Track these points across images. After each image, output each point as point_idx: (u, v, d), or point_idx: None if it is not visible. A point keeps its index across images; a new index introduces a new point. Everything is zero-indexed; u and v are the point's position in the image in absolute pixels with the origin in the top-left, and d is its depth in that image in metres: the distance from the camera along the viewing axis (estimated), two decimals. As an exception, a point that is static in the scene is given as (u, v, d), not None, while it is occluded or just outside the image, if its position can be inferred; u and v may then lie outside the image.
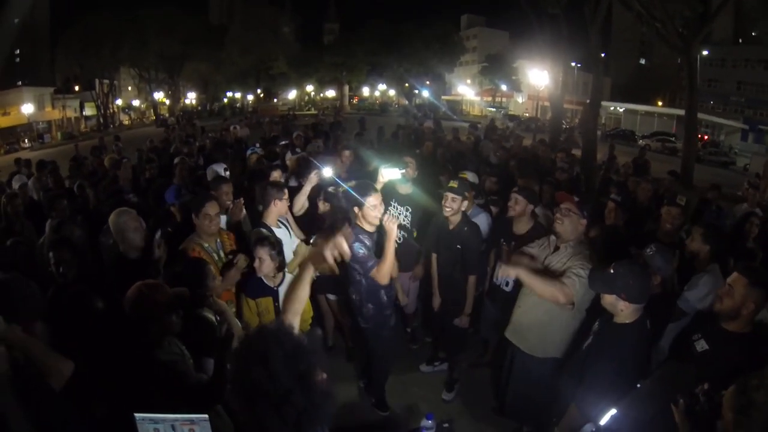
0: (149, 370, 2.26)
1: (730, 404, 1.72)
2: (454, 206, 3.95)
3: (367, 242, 3.47)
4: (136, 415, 1.95)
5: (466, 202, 4.10)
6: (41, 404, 2.15)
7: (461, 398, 4.43)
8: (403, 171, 4.22)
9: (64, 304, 2.79)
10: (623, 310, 2.55)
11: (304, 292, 2.09)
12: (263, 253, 3.30)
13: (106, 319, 2.67)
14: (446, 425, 2.44)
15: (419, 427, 2.38)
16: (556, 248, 3.32)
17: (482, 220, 4.72)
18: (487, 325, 4.55)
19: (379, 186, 4.03)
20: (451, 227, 4.06)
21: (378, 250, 3.49)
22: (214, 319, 2.81)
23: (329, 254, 2.10)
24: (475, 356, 4.95)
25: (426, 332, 5.22)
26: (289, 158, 6.70)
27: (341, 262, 2.95)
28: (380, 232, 3.49)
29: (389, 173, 4.07)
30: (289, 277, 3.49)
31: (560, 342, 3.30)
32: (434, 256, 4.34)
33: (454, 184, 3.98)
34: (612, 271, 2.57)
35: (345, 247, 2.14)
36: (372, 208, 3.43)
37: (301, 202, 4.53)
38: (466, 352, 4.71)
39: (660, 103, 45.66)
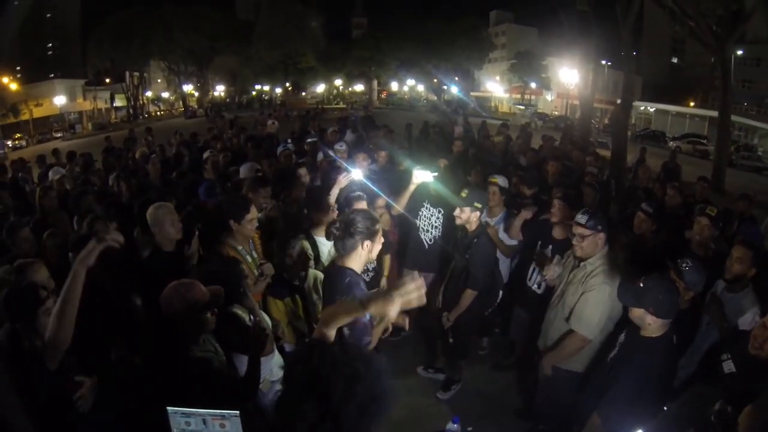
0: (184, 366, 2.33)
1: (745, 425, 1.72)
2: (462, 217, 3.90)
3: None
4: (169, 408, 2.04)
5: (477, 213, 3.94)
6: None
7: (485, 400, 4.45)
8: (436, 174, 4.15)
9: (103, 301, 2.90)
10: (651, 324, 2.55)
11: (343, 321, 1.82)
12: None
13: (143, 315, 2.78)
14: (470, 429, 2.48)
15: (445, 430, 2.41)
16: (579, 262, 3.31)
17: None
18: (516, 328, 4.53)
19: (412, 188, 4.08)
20: (467, 235, 4.04)
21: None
22: (246, 317, 2.88)
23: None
24: (501, 358, 4.97)
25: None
26: (321, 159, 6.73)
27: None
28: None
29: (422, 176, 4.04)
30: (312, 273, 3.52)
31: (579, 354, 3.29)
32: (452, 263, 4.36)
33: (464, 194, 3.91)
34: (642, 284, 2.57)
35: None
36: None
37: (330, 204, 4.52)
38: (468, 358, 4.68)
39: (692, 104, 44.37)
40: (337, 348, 1.41)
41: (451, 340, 4.31)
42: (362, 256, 2.64)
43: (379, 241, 2.69)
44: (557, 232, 4.07)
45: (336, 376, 1.25)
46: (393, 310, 1.58)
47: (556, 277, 3.58)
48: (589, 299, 3.09)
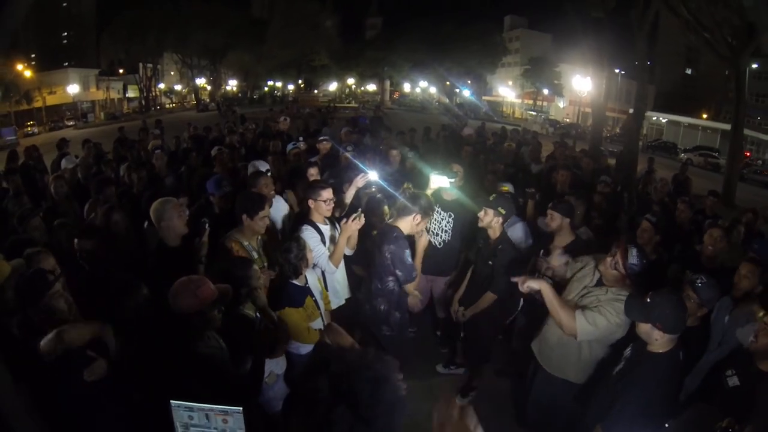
0: (189, 361, 2.34)
1: None
2: (485, 219, 3.98)
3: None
4: (172, 402, 2.04)
5: (500, 219, 4.00)
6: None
7: (487, 405, 4.43)
8: (453, 180, 4.22)
9: (110, 292, 2.92)
10: (658, 340, 2.53)
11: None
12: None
13: (149, 307, 2.78)
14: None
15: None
16: (599, 284, 3.23)
17: (519, 230, 4.72)
18: (518, 335, 4.56)
19: (429, 192, 4.11)
20: (490, 241, 4.07)
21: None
22: (253, 316, 2.89)
23: None
24: (503, 364, 4.96)
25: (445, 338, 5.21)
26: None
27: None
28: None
29: (438, 181, 4.08)
30: (311, 272, 3.56)
31: (577, 365, 3.27)
32: (471, 267, 4.40)
33: (492, 197, 4.03)
34: (649, 300, 2.55)
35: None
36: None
37: (345, 204, 4.53)
38: (490, 362, 4.70)
39: (705, 116, 44.03)
40: (354, 353, 1.41)
41: (462, 334, 4.43)
42: (409, 224, 3.61)
43: (425, 223, 3.65)
44: (558, 240, 4.12)
45: (360, 381, 1.25)
46: None
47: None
48: (605, 316, 2.97)
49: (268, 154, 6.59)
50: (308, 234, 3.71)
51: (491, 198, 4.01)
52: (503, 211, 3.95)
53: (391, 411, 1.26)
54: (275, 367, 3.11)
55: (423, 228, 3.66)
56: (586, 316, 2.97)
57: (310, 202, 3.93)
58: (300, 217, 4.25)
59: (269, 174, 4.81)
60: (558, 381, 3.35)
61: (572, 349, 3.23)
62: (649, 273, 3.51)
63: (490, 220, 3.96)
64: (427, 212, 3.58)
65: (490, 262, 4.03)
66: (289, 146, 6.96)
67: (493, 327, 4.28)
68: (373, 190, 4.68)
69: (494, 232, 4.02)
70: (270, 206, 4.10)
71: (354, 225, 3.65)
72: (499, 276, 3.97)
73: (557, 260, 3.94)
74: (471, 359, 4.63)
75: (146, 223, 4.47)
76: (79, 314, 2.63)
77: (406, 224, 3.61)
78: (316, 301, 3.44)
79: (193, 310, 2.40)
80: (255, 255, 3.60)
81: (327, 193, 3.90)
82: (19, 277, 2.63)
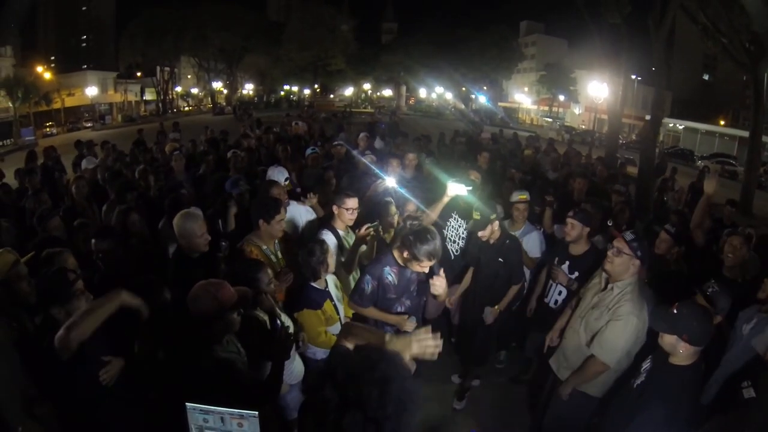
0: (207, 365, 2.34)
1: None
2: (487, 234, 4.12)
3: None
4: (188, 404, 2.04)
5: (497, 222, 4.14)
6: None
7: (500, 413, 4.44)
8: (470, 188, 4.19)
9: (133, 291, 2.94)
10: (682, 352, 2.48)
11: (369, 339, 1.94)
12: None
13: (170, 309, 2.80)
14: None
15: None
16: (608, 286, 3.23)
17: (534, 238, 4.69)
18: (532, 344, 4.52)
19: (446, 200, 4.12)
20: (492, 242, 4.13)
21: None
22: (266, 320, 2.89)
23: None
24: (518, 372, 4.97)
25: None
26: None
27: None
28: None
29: (456, 189, 4.05)
30: (330, 277, 3.53)
31: (596, 380, 3.23)
32: (471, 269, 4.44)
33: (476, 216, 4.07)
34: (675, 311, 2.49)
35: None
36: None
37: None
38: (485, 366, 4.76)
39: (722, 122, 43.43)
40: (359, 356, 1.41)
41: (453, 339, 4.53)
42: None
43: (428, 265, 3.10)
44: (574, 248, 4.11)
45: (367, 384, 1.25)
46: (409, 353, 1.75)
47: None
48: (616, 329, 3.00)
49: (283, 158, 6.63)
50: (327, 239, 3.71)
51: (477, 218, 4.06)
52: (494, 216, 4.06)
53: (402, 410, 1.26)
54: (289, 377, 3.10)
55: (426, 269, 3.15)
56: (601, 344, 3.05)
57: (335, 208, 3.99)
58: (323, 221, 4.29)
59: (287, 181, 4.84)
60: (577, 394, 3.31)
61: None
62: (671, 285, 3.49)
63: (491, 230, 4.08)
64: (430, 258, 3.02)
65: (500, 259, 4.10)
66: (308, 151, 7.01)
67: (488, 328, 4.27)
68: (387, 199, 4.66)
69: (496, 234, 4.11)
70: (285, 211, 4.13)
71: (366, 233, 3.68)
72: (515, 266, 4.20)
73: (564, 276, 4.07)
74: (470, 361, 4.62)
75: (162, 222, 4.52)
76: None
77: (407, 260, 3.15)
78: (335, 306, 3.42)
79: (212, 314, 2.40)
80: (273, 258, 3.61)
81: (352, 203, 3.96)
82: (41, 277, 2.66)
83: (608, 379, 3.19)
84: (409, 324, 3.23)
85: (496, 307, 4.19)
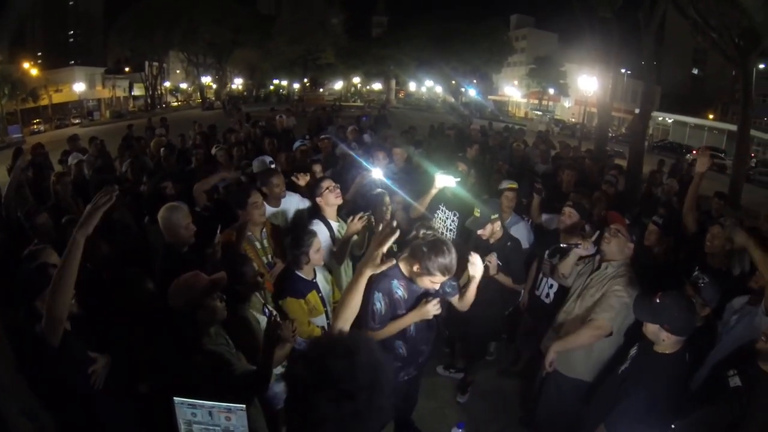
0: (194, 359, 2.34)
1: None
2: (486, 233, 3.99)
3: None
4: (176, 399, 2.04)
5: (498, 222, 4.02)
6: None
7: (490, 406, 4.45)
8: (459, 180, 4.16)
9: (117, 287, 2.93)
10: (665, 341, 2.52)
11: (357, 299, 2.04)
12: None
13: (156, 304, 2.79)
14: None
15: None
16: (599, 266, 3.34)
17: (522, 229, 4.71)
18: (523, 336, 4.54)
19: (434, 192, 4.10)
20: (492, 242, 4.03)
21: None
22: (255, 317, 2.89)
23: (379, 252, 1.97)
24: (507, 364, 4.96)
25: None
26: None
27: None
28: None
29: (444, 180, 4.03)
30: (320, 270, 3.53)
31: (586, 364, 3.31)
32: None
33: (476, 213, 3.96)
34: (658, 300, 2.54)
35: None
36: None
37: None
38: (484, 359, 4.78)
39: (711, 116, 43.76)
40: (326, 334, 1.45)
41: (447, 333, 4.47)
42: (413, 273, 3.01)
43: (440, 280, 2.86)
44: (564, 240, 4.08)
45: (333, 357, 1.27)
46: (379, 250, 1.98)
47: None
48: (614, 296, 3.12)
49: (270, 152, 6.64)
50: (318, 229, 3.67)
51: (477, 215, 3.94)
52: (496, 216, 3.95)
53: (373, 383, 1.27)
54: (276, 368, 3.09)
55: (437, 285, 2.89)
56: (608, 306, 3.09)
57: (318, 200, 3.99)
58: (312, 213, 4.27)
59: (273, 165, 4.84)
60: (568, 380, 3.36)
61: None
62: (659, 275, 3.54)
63: (491, 230, 3.97)
64: (444, 273, 2.70)
65: (500, 263, 3.97)
66: (296, 144, 6.97)
67: (488, 323, 4.24)
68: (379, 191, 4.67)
69: (497, 234, 4.02)
70: (277, 200, 4.19)
71: (359, 224, 3.63)
72: (517, 267, 4.11)
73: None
74: (467, 356, 4.64)
75: (146, 219, 4.49)
76: (79, 308, 2.63)
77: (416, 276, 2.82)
78: (322, 298, 3.40)
79: (192, 304, 2.41)
80: (258, 245, 3.61)
81: (326, 182, 3.99)
82: (21, 272, 2.67)
83: (598, 364, 3.26)
84: (434, 306, 2.88)
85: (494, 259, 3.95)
